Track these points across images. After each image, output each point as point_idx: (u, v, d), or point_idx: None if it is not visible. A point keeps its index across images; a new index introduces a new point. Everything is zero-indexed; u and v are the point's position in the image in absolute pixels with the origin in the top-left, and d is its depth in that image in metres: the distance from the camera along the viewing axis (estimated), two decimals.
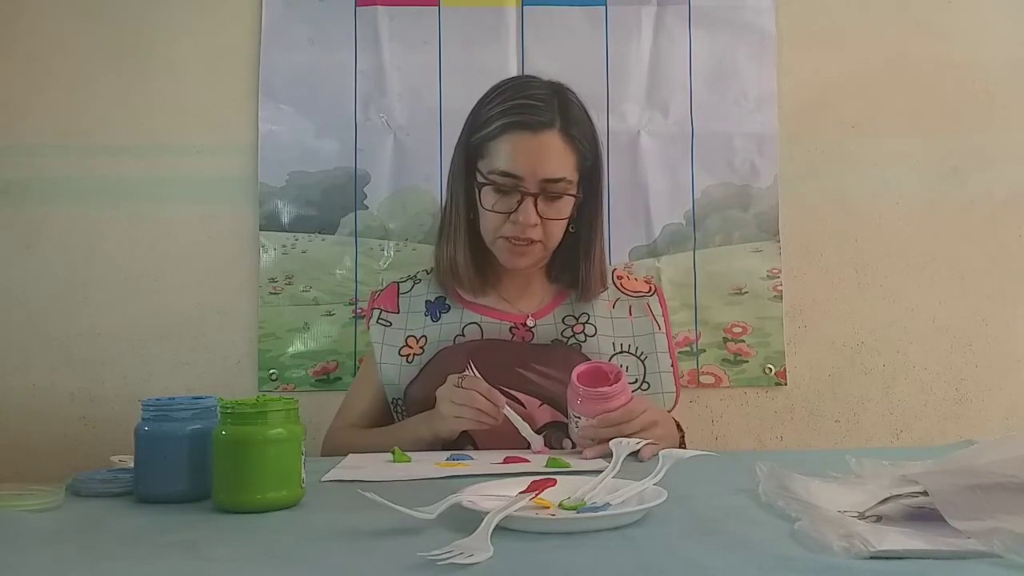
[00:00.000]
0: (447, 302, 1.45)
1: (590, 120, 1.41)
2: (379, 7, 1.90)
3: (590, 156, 1.40)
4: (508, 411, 1.24)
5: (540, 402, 1.34)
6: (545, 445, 1.28)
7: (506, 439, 1.30)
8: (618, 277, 1.50)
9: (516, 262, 1.39)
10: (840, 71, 1.95)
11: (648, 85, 1.92)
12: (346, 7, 1.90)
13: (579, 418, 1.22)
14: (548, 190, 1.34)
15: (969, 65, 1.96)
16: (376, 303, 1.49)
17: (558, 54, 1.90)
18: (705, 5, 1.93)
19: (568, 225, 1.41)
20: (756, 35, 1.93)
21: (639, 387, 1.42)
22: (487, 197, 1.37)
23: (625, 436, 1.13)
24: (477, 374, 1.25)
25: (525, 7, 1.91)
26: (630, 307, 1.46)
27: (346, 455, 1.22)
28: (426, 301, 1.46)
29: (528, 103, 1.36)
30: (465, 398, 1.22)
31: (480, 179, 1.37)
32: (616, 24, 1.92)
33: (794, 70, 1.94)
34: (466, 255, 1.41)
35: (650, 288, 1.50)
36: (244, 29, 1.90)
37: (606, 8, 1.92)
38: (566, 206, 1.37)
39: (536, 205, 1.33)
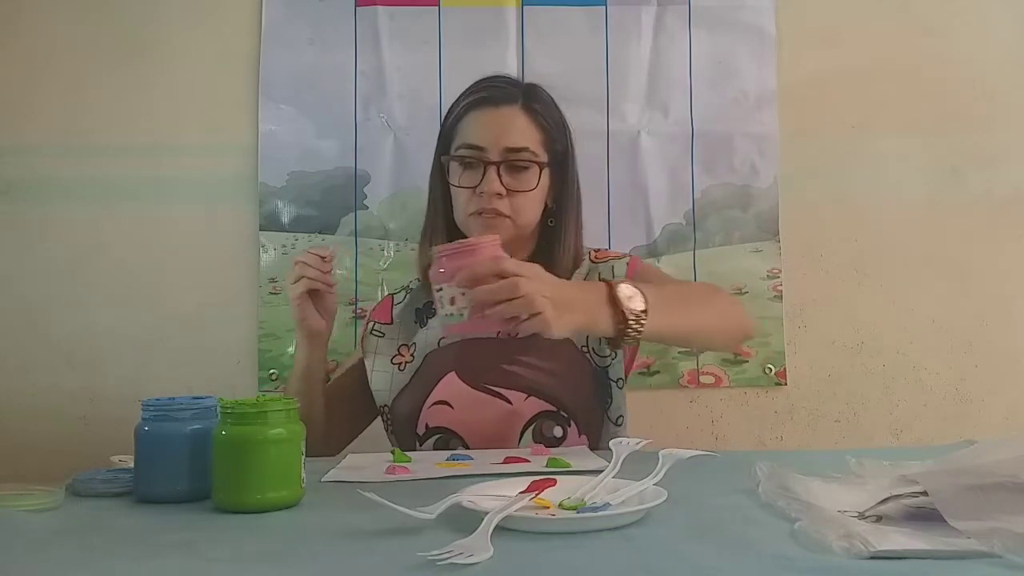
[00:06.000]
0: (433, 306, 1.44)
1: (559, 110, 1.42)
2: (379, 7, 1.90)
3: (559, 140, 1.39)
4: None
5: (526, 395, 1.33)
6: (535, 436, 1.28)
7: (497, 435, 1.31)
8: (595, 251, 1.47)
9: None
10: (840, 71, 1.95)
11: (648, 85, 1.92)
12: (346, 7, 1.90)
13: (440, 289, 1.02)
14: (511, 160, 1.34)
15: (969, 65, 1.96)
16: (372, 317, 1.51)
17: (558, 54, 1.90)
18: (705, 5, 1.93)
19: (547, 219, 1.41)
20: (756, 35, 1.93)
21: None
22: (453, 173, 1.38)
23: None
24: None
25: (525, 7, 1.91)
26: (599, 273, 1.43)
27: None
28: (416, 309, 1.47)
29: (491, 85, 1.39)
30: (297, 273, 1.32)
31: (448, 157, 1.39)
32: (616, 24, 1.92)
33: (794, 70, 1.94)
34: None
35: (624, 257, 1.46)
36: (244, 29, 1.90)
37: (606, 8, 1.92)
38: (532, 177, 1.35)
39: (500, 175, 1.33)
